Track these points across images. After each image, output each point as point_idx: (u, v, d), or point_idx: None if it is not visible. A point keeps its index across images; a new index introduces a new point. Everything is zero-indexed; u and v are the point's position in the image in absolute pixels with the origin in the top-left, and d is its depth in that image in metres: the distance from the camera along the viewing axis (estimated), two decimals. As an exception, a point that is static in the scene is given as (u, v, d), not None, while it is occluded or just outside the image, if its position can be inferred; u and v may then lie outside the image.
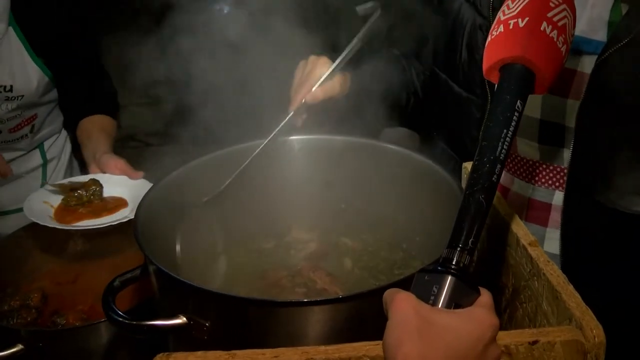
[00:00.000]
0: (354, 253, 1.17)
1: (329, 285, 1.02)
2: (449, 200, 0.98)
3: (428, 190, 1.07)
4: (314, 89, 1.11)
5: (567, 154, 1.06)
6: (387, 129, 1.37)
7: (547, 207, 1.12)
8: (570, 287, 0.76)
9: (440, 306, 0.64)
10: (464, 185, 1.03)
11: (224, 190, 1.13)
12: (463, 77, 1.18)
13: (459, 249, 0.68)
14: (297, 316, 0.79)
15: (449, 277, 0.65)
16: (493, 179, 0.72)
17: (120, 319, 0.84)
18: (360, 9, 1.11)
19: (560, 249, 1.08)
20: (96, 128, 1.66)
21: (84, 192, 1.38)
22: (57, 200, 1.39)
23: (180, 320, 0.82)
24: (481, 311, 0.64)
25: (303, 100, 1.11)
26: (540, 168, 1.11)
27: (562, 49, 0.80)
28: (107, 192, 1.42)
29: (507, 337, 0.70)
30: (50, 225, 1.29)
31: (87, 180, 1.42)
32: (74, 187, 1.39)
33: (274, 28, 1.23)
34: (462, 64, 1.17)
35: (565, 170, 1.07)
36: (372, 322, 0.80)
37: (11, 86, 1.54)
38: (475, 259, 1.01)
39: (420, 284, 0.66)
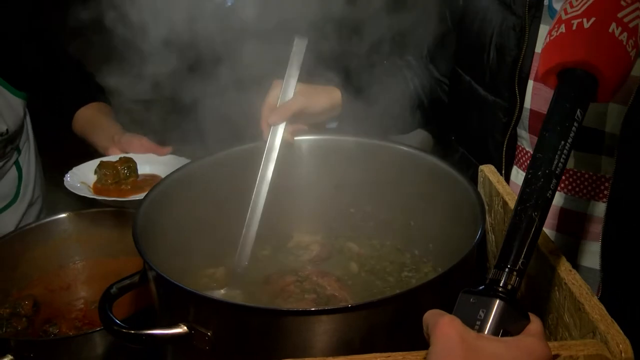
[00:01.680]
0: (360, 258, 1.17)
1: (338, 291, 1.02)
2: (465, 206, 0.99)
3: (443, 194, 1.07)
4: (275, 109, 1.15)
5: (605, 161, 1.05)
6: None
7: (582, 217, 1.10)
8: (594, 298, 0.76)
9: (486, 333, 0.62)
10: (480, 189, 1.04)
11: (227, 192, 1.13)
12: (490, 80, 1.17)
13: (507, 269, 0.66)
14: (303, 326, 0.79)
15: (497, 301, 0.63)
16: (547, 194, 0.69)
17: (118, 328, 0.84)
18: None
19: (601, 263, 1.06)
20: (97, 114, 1.67)
21: (121, 169, 1.40)
22: (91, 179, 1.41)
23: (181, 329, 0.82)
24: (532, 340, 0.62)
25: (271, 125, 1.15)
26: (575, 176, 1.09)
27: (631, 54, 0.75)
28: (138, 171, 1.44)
29: (526, 350, 0.70)
30: (109, 200, 1.31)
31: (117, 159, 1.44)
32: (106, 166, 1.41)
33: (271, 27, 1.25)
34: (490, 65, 1.16)
35: (603, 179, 1.06)
36: (382, 332, 0.80)
37: (7, 129, 1.55)
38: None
39: (465, 307, 0.64)
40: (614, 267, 1.05)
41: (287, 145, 1.16)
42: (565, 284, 0.79)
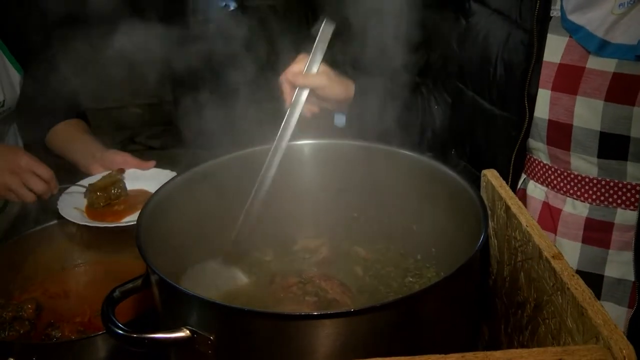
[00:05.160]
0: (365, 262, 1.18)
1: (340, 295, 1.02)
2: (468, 211, 0.98)
3: (446, 199, 1.07)
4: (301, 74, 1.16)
5: (631, 167, 1.05)
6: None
7: (609, 226, 1.10)
8: (598, 303, 0.76)
9: None
10: (482, 194, 1.04)
11: (231, 196, 1.14)
12: (497, 94, 1.17)
13: None
14: (306, 330, 0.79)
15: None
16: None
17: (120, 332, 0.85)
18: (315, 30, 1.18)
19: (635, 272, 1.05)
20: (76, 131, 1.65)
21: (113, 190, 1.40)
22: (82, 203, 1.41)
23: (183, 333, 0.82)
24: None
25: (297, 87, 1.16)
26: (599, 185, 1.09)
27: None
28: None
29: (529, 356, 0.70)
30: (107, 225, 1.30)
31: (100, 177, 1.43)
32: (96, 189, 1.40)
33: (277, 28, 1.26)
34: (497, 80, 1.17)
35: (629, 186, 1.06)
36: (385, 337, 0.80)
37: (4, 100, 1.52)
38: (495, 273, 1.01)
39: None
40: None
41: (291, 146, 1.16)
42: (568, 288, 0.79)
